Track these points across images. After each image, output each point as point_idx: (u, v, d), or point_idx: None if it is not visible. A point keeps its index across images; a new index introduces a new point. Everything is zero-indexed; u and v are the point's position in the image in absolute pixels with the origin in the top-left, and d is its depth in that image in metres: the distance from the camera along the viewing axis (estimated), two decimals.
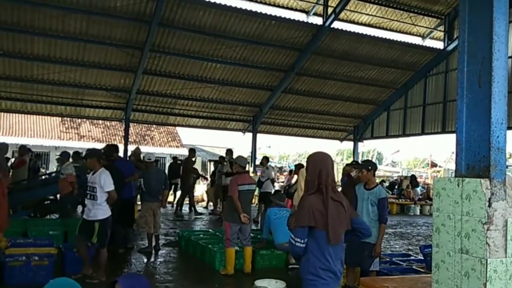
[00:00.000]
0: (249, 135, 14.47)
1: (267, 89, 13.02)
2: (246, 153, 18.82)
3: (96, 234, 4.69)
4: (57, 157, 10.51)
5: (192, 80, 12.09)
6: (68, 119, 21.84)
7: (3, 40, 9.86)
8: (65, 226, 6.59)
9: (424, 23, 12.46)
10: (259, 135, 14.53)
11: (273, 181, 10.21)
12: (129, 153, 11.75)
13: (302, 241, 2.35)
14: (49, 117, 19.36)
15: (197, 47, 10.94)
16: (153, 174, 6.49)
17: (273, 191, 9.75)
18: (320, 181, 2.38)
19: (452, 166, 27.44)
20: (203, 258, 5.99)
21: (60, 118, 21.56)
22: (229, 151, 10.31)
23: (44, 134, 21.80)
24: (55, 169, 15.85)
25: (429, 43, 12.98)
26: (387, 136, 15.07)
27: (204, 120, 14.03)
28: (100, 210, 4.73)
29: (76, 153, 8.84)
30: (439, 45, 12.95)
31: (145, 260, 6.08)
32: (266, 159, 10.65)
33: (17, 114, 17.82)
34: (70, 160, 8.00)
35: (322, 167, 2.40)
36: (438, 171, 27.44)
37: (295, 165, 9.70)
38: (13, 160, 9.19)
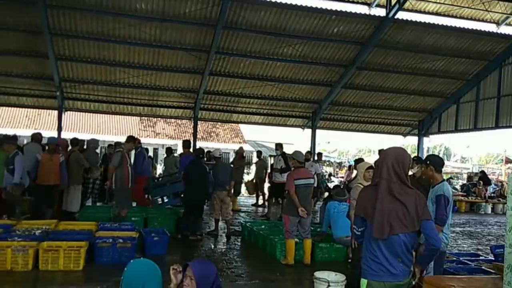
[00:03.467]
0: (308, 131, 14.58)
1: (327, 85, 12.99)
2: (305, 148, 18.93)
3: None
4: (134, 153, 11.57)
5: (253, 79, 12.53)
6: (146, 118, 24.11)
7: (90, 49, 11.16)
8: (145, 213, 7.42)
9: (499, 9, 11.41)
10: (318, 131, 14.58)
11: (318, 176, 9.88)
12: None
13: (358, 228, 2.51)
14: (129, 116, 21.40)
15: (258, 47, 11.29)
16: (221, 167, 7.30)
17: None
18: (378, 175, 2.44)
19: None
20: (265, 247, 6.32)
21: (139, 118, 23.93)
22: (279, 145, 10.04)
23: (126, 132, 24.29)
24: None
25: (504, 30, 11.89)
26: (456, 130, 14.13)
27: (265, 117, 14.44)
28: None
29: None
30: None
31: (212, 246, 6.67)
32: (319, 154, 11.00)
33: (103, 115, 19.75)
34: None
35: (383, 161, 2.43)
36: None
37: (355, 160, 9.65)
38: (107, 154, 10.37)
